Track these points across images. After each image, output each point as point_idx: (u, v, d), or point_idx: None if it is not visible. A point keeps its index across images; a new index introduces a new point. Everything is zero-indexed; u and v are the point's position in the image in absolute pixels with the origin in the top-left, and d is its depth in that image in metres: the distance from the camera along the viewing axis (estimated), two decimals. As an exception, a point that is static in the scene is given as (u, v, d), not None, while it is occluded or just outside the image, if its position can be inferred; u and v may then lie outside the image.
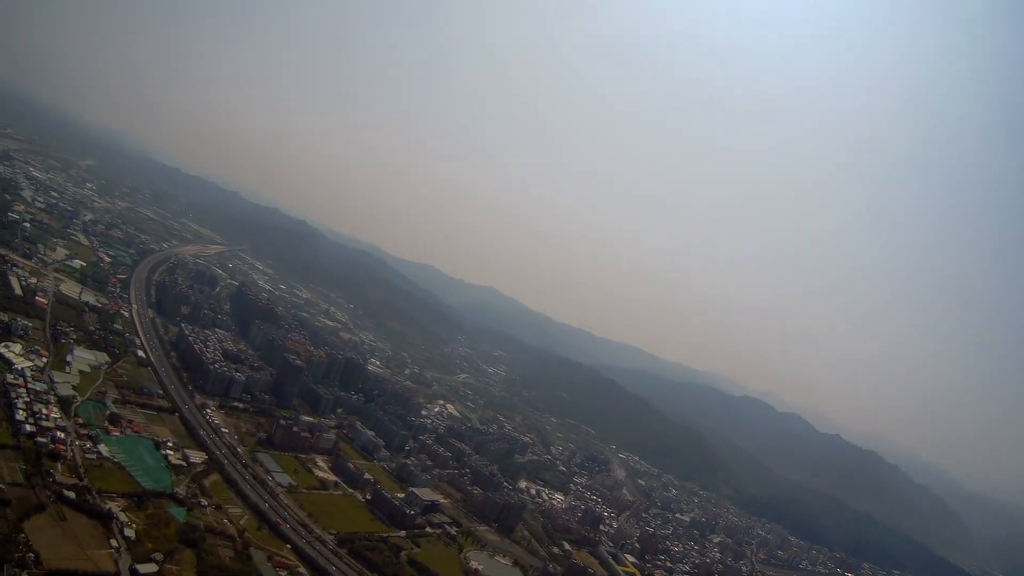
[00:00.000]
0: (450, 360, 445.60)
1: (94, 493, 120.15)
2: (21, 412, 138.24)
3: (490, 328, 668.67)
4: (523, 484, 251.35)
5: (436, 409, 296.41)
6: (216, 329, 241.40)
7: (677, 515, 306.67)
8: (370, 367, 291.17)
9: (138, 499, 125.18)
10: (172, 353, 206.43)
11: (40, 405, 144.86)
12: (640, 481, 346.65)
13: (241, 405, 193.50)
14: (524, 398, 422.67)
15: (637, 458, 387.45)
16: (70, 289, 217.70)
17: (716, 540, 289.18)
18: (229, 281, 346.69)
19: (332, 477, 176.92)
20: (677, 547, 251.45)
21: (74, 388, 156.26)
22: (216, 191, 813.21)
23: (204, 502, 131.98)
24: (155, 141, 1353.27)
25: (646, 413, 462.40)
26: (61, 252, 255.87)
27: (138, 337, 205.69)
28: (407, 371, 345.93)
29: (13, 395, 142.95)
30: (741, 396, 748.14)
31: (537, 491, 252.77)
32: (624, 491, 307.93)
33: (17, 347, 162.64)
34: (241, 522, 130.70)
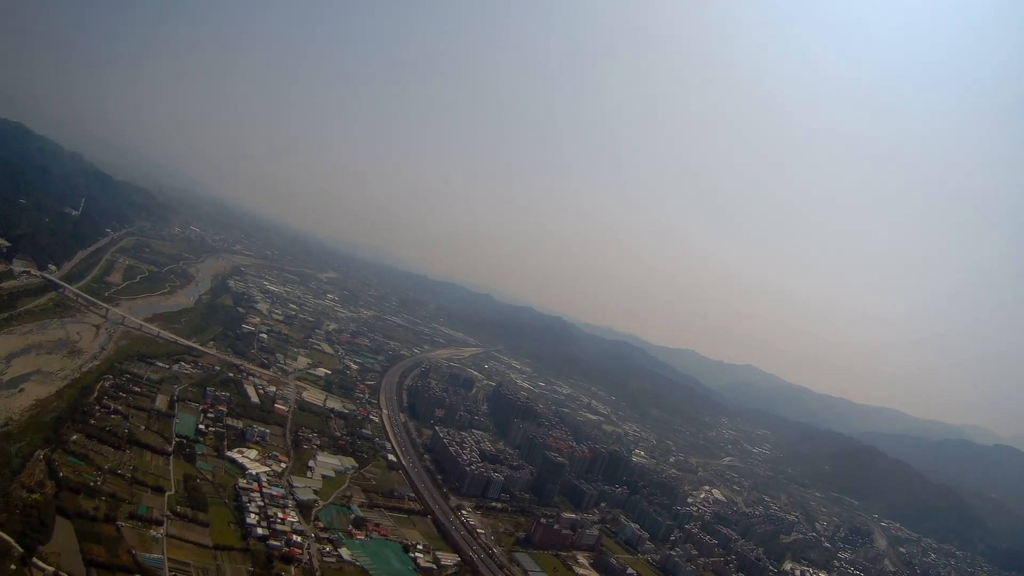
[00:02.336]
0: (714, 444, 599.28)
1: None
2: (253, 516, 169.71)
3: (752, 407, 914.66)
4: (788, 566, 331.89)
5: (702, 495, 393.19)
6: (473, 430, 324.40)
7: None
8: (634, 458, 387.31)
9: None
10: (426, 456, 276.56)
11: (275, 509, 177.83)
12: (901, 549, 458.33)
13: (499, 505, 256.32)
14: (789, 475, 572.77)
15: (898, 525, 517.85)
16: (313, 396, 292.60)
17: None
18: (486, 382, 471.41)
19: (593, 574, 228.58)
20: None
21: (315, 493, 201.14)
22: (465, 294, 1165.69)
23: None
24: (393, 250, 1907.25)
25: (905, 477, 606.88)
26: (303, 361, 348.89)
27: (389, 441, 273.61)
28: (672, 459, 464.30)
29: (245, 499, 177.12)
30: (994, 445, 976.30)
31: (802, 572, 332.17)
32: (886, 562, 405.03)
33: (252, 453, 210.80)
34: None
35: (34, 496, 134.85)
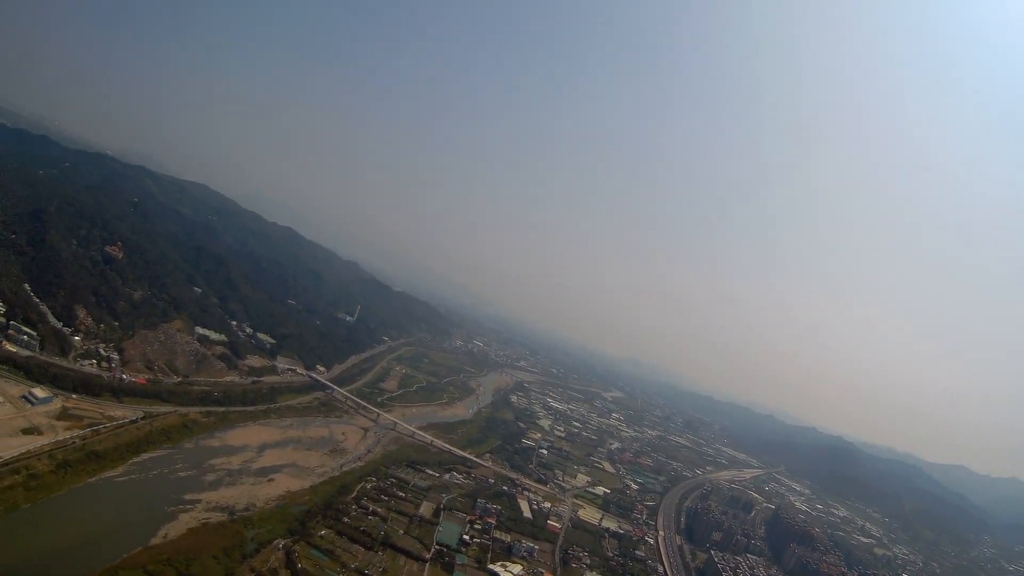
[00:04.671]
0: (976, 563, 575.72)
1: None
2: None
3: (1013, 522, 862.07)
4: None
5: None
6: (748, 555, 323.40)
7: None
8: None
9: None
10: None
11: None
12: None
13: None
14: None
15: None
16: (589, 515, 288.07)
17: None
18: (765, 505, 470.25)
19: None
20: None
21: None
22: (749, 415, 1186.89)
23: None
24: (679, 370, 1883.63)
25: None
26: (582, 479, 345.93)
27: (661, 564, 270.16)
28: None
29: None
30: None
31: None
32: None
33: (516, 568, 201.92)
34: None
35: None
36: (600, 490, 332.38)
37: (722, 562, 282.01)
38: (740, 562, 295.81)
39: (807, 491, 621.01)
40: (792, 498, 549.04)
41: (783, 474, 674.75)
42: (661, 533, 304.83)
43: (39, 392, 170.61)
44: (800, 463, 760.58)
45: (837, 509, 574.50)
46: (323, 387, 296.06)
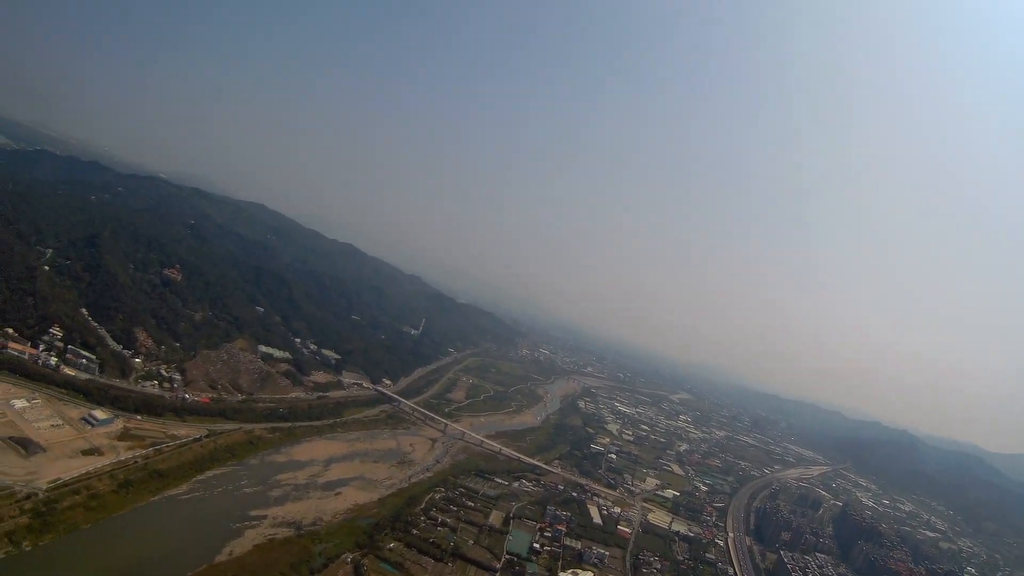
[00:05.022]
0: None
1: None
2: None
3: None
4: None
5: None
6: (816, 553, 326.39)
7: None
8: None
9: None
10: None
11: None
12: None
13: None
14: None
15: None
16: (659, 519, 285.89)
17: None
18: (832, 502, 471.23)
19: None
20: None
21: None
22: (815, 412, 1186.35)
23: None
24: (745, 370, 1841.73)
25: None
26: (651, 482, 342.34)
27: (731, 566, 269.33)
28: (998, 574, 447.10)
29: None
30: None
31: None
32: None
33: (587, 574, 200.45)
34: None
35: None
36: (669, 493, 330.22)
37: (791, 562, 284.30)
38: (809, 561, 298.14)
39: (874, 487, 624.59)
40: (859, 494, 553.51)
41: (850, 470, 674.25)
42: (731, 535, 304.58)
43: (99, 414, 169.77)
44: (866, 458, 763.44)
45: (903, 504, 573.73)
46: (389, 400, 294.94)
